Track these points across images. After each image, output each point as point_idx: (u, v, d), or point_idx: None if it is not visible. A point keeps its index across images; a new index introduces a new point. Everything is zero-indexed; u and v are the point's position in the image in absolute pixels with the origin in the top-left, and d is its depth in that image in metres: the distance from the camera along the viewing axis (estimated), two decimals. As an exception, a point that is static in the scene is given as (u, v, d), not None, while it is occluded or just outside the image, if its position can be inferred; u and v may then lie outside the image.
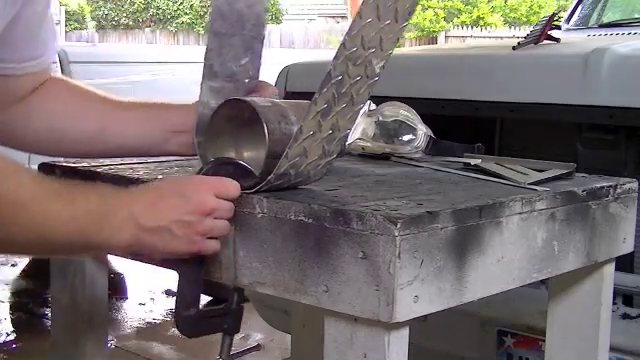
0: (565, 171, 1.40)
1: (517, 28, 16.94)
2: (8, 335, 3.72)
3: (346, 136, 1.13)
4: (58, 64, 3.73)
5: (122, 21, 22.18)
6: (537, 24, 2.43)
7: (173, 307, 1.12)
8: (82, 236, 1.00)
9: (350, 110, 1.09)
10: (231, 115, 1.21)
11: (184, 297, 1.11)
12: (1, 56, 1.20)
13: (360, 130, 1.61)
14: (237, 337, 1.20)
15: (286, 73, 2.45)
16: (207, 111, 1.24)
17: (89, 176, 1.32)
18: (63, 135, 1.30)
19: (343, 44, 1.04)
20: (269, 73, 2.52)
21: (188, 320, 1.11)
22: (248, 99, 1.20)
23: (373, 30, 1.05)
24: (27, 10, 1.16)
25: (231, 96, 1.24)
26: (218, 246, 1.08)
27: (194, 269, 1.11)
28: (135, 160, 1.43)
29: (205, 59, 1.27)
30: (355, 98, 1.09)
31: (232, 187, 1.08)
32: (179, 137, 1.29)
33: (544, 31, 2.34)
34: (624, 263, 1.73)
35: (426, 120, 1.64)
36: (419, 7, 18.50)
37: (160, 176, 1.27)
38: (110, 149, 1.32)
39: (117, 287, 4.27)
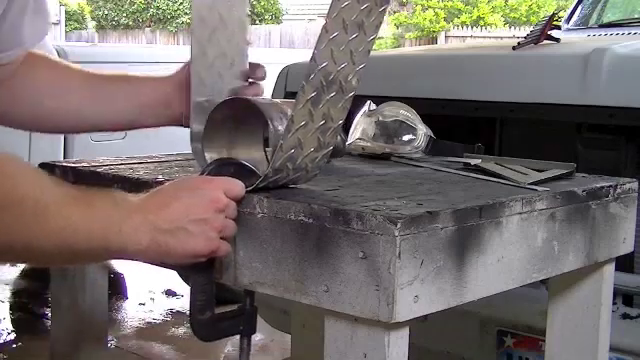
0: (565, 171, 1.40)
1: (517, 28, 16.93)
2: (8, 335, 3.72)
3: (340, 127, 1.13)
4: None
5: (122, 21, 22.15)
6: (537, 24, 2.43)
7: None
8: (102, 240, 0.99)
9: (341, 98, 1.09)
10: (229, 115, 1.21)
11: (198, 301, 1.10)
12: None
13: (360, 130, 1.61)
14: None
15: (286, 73, 2.45)
16: (199, 124, 1.24)
17: (89, 176, 1.32)
18: (45, 116, 1.36)
19: (325, 28, 1.03)
20: (269, 73, 2.52)
21: (204, 324, 1.11)
22: (248, 97, 1.20)
23: (353, 13, 1.05)
24: (13, 5, 1.17)
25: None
26: (230, 248, 1.08)
27: (206, 273, 1.10)
28: (135, 160, 1.44)
29: (192, 69, 1.25)
30: (344, 85, 1.08)
31: (239, 187, 1.08)
32: (154, 110, 1.36)
33: (544, 31, 2.33)
34: (624, 263, 1.73)
35: (426, 120, 1.64)
36: (419, 7, 18.50)
37: (160, 176, 1.27)
38: (88, 127, 1.43)
39: (117, 287, 4.26)
